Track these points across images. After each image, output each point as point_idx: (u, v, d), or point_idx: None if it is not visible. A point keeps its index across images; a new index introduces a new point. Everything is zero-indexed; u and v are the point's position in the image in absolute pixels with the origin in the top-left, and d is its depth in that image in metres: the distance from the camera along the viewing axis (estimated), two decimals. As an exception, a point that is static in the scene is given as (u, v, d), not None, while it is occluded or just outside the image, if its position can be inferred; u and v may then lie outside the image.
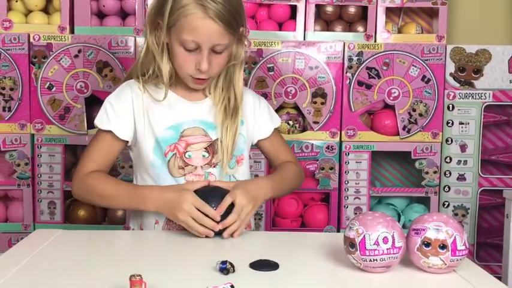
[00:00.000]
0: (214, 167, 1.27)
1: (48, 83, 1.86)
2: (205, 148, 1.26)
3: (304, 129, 1.94)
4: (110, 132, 1.25)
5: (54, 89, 1.87)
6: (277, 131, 1.40)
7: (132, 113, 1.26)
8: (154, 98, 1.26)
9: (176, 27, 1.18)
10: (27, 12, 1.94)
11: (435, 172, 1.93)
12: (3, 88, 1.85)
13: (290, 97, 1.90)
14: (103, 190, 1.23)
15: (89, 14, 1.91)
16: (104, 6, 1.94)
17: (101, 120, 1.26)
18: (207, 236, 1.13)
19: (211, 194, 1.16)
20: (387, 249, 0.92)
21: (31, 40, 1.85)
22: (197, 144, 1.26)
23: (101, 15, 1.97)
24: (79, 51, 1.86)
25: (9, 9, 1.92)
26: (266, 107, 1.38)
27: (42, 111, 1.87)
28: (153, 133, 1.25)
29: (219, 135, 1.27)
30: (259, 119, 1.36)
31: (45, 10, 1.96)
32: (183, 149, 1.25)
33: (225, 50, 1.22)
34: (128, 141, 1.27)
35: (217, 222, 1.13)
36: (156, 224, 1.26)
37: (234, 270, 0.93)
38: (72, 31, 1.91)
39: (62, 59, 1.86)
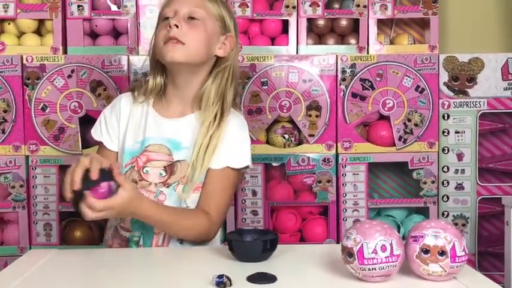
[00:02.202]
0: (167, 187, 1.25)
1: (42, 104, 1.86)
2: (164, 167, 1.26)
3: (300, 143, 1.94)
4: (102, 143, 1.32)
5: (48, 109, 1.86)
6: (230, 172, 1.26)
7: (118, 126, 1.30)
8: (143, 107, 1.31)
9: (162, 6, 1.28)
10: (20, 34, 1.94)
11: (433, 182, 1.92)
12: (-3, 110, 1.85)
13: (285, 111, 1.90)
14: None
15: (82, 34, 1.91)
16: (96, 26, 1.94)
17: (95, 131, 1.33)
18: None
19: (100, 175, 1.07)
20: (386, 257, 0.91)
21: (24, 62, 1.85)
22: (157, 162, 1.26)
23: (93, 35, 1.97)
24: (72, 71, 1.86)
25: (1, 31, 1.93)
26: (238, 142, 1.27)
27: (36, 133, 1.86)
28: (123, 144, 1.29)
29: (193, 154, 1.23)
30: (222, 148, 1.25)
31: (38, 32, 1.97)
32: (143, 163, 1.26)
33: (201, 22, 1.23)
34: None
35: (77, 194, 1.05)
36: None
37: (231, 284, 0.92)
38: (65, 52, 1.91)
39: (55, 79, 1.86)
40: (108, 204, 1.06)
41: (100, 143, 1.32)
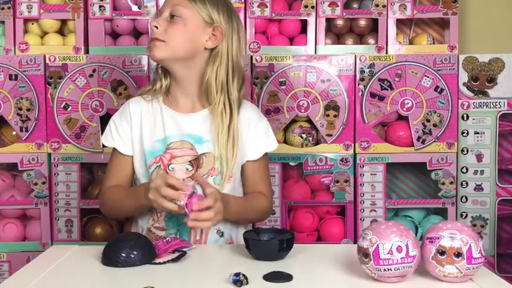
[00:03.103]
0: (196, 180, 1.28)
1: (64, 102, 1.89)
2: (189, 162, 1.29)
3: (317, 142, 1.94)
4: (115, 148, 1.35)
5: (69, 108, 1.90)
6: (266, 156, 1.38)
7: (130, 130, 1.34)
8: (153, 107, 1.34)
9: None
10: (43, 34, 1.98)
11: (451, 183, 1.91)
12: (20, 108, 1.89)
13: (303, 110, 1.90)
14: (115, 198, 1.31)
15: (103, 34, 1.95)
16: (117, 26, 1.97)
17: (106, 138, 1.37)
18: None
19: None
20: (401, 258, 0.92)
21: (47, 61, 1.89)
22: (182, 158, 1.29)
23: (114, 35, 2.00)
24: (94, 70, 1.89)
25: (25, 31, 1.97)
26: (263, 128, 1.37)
27: (58, 131, 1.90)
28: (142, 146, 1.32)
29: (215, 149, 1.29)
30: (253, 138, 1.35)
31: (61, 32, 2.00)
32: (168, 161, 1.29)
33: (181, 18, 1.27)
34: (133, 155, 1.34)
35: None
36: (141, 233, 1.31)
37: (247, 282, 0.93)
38: (86, 51, 1.94)
39: (77, 78, 1.89)
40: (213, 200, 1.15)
41: (113, 149, 1.36)
